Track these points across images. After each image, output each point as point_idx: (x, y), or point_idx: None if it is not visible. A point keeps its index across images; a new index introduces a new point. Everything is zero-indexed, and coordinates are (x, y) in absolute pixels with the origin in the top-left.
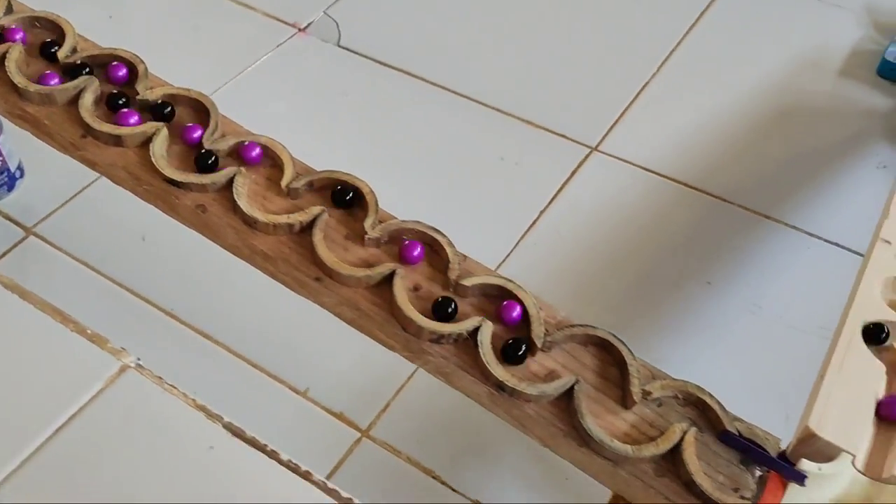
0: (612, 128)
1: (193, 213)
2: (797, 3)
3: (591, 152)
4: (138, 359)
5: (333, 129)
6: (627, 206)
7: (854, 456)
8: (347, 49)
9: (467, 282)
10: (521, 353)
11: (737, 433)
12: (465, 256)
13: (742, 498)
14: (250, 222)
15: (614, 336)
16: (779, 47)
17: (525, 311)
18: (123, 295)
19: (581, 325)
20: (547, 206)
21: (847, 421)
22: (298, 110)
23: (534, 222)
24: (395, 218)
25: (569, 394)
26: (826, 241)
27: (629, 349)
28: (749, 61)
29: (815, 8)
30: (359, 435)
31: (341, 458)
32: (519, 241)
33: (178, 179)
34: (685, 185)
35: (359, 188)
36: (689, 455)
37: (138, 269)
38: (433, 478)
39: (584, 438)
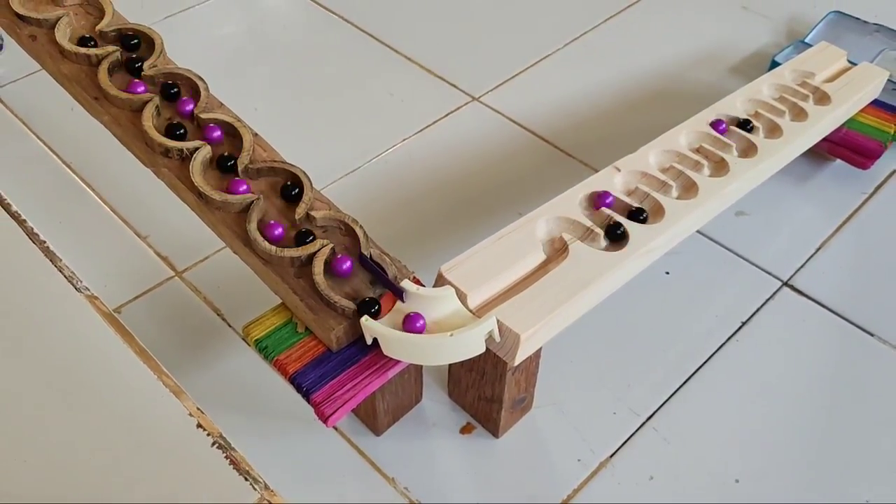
0: (499, 85)
1: (28, 40)
2: (724, 8)
3: (471, 101)
4: None
5: (243, 53)
6: (482, 147)
7: (458, 289)
8: None
9: (205, 115)
10: (228, 166)
11: (368, 256)
12: (221, 103)
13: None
14: (61, 51)
15: (304, 173)
16: (687, 42)
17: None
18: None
19: (281, 162)
20: (411, 136)
21: (476, 273)
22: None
23: (393, 146)
24: (173, 63)
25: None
26: None
27: (311, 183)
28: (653, 51)
29: (739, 14)
30: (173, 274)
31: (148, 288)
32: (373, 158)
33: (21, 13)
34: (540, 137)
35: (153, 40)
36: (318, 261)
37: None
38: (217, 314)
39: (247, 240)
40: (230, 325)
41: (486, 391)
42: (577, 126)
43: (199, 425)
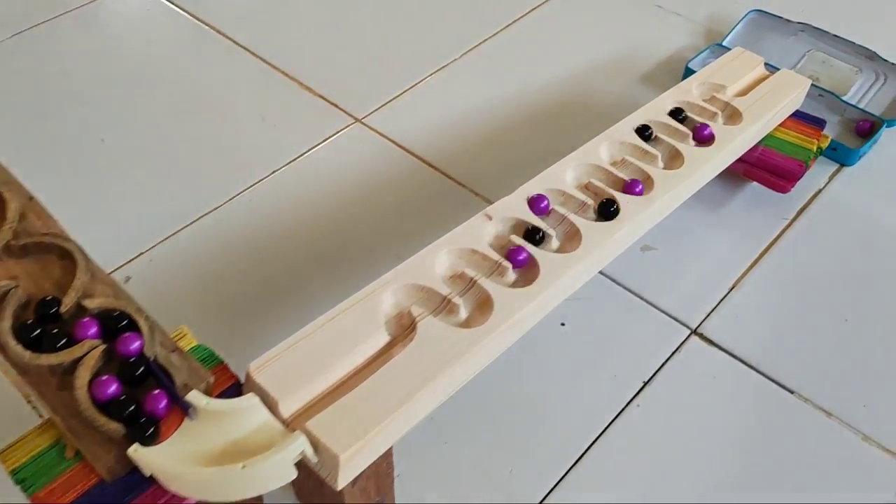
0: (385, 104)
1: None
2: (636, 8)
3: (353, 123)
4: None
5: (95, 70)
6: (363, 178)
7: (267, 394)
8: None
9: None
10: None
11: (152, 359)
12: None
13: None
14: None
15: (79, 249)
16: (595, 49)
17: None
18: None
19: (51, 234)
20: (282, 167)
21: (294, 370)
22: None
23: (259, 180)
24: None
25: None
26: None
27: (86, 263)
28: (556, 60)
29: (652, 14)
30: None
31: None
32: (235, 195)
33: None
34: (430, 165)
35: None
36: (83, 370)
37: None
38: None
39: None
40: None
41: (329, 500)
42: (472, 150)
43: None
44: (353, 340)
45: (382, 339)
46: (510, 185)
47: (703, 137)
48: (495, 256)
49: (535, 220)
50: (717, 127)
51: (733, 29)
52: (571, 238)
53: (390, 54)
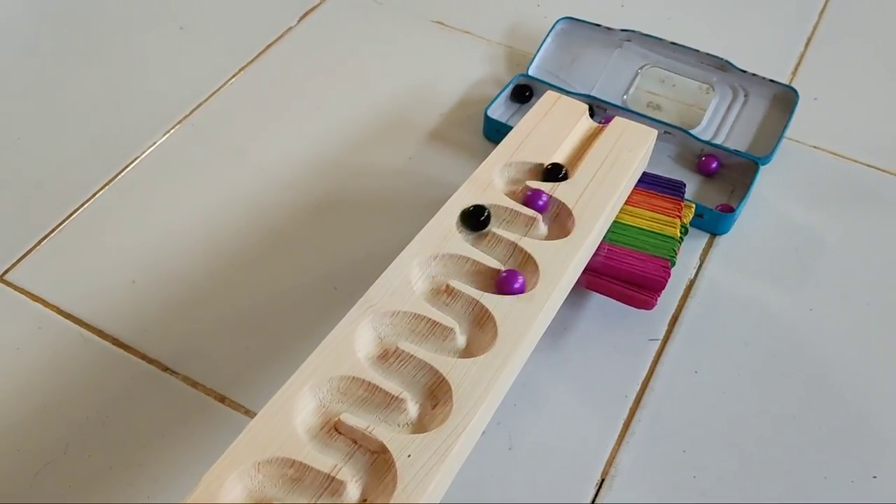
0: (37, 246)
1: None
2: (412, 29)
3: None
4: None
5: None
6: (13, 370)
7: None
8: None
9: None
10: None
11: None
12: None
13: None
14: None
15: None
16: (361, 96)
17: None
18: None
19: None
20: None
21: None
22: None
23: None
24: None
25: None
26: None
27: None
28: (303, 121)
29: (433, 34)
30: None
31: None
32: None
33: None
34: (115, 340)
35: None
36: None
37: None
38: None
39: None
40: None
41: None
42: (184, 304)
43: None
44: None
45: None
46: (243, 363)
47: (511, 288)
48: None
49: None
50: (534, 247)
51: (540, 48)
52: None
53: (42, 169)
